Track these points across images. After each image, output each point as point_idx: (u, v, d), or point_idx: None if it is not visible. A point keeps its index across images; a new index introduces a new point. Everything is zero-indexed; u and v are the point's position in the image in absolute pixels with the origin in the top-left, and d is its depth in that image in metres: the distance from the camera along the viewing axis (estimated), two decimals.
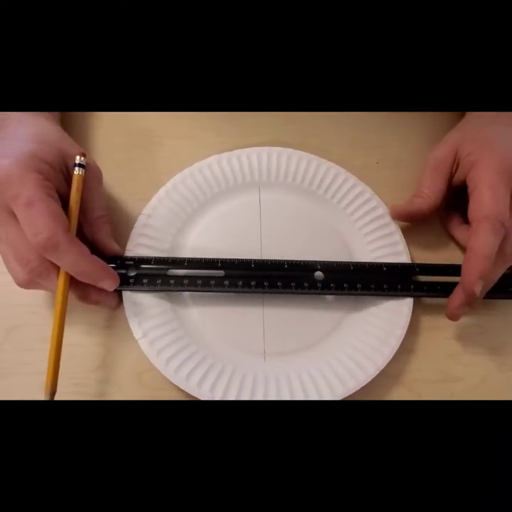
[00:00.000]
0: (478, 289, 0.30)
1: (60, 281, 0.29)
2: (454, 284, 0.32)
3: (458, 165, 0.34)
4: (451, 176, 0.35)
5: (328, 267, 0.33)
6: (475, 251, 0.30)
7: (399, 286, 0.33)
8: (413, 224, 0.37)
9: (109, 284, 0.30)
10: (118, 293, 0.32)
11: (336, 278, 0.33)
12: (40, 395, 0.32)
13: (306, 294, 0.33)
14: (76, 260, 0.28)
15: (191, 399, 0.30)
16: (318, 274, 0.33)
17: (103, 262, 0.30)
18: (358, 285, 0.33)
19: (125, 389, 0.32)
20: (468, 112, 0.37)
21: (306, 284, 0.32)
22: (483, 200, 0.30)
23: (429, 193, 0.34)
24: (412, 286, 0.33)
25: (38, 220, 0.27)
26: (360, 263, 0.34)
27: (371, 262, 0.34)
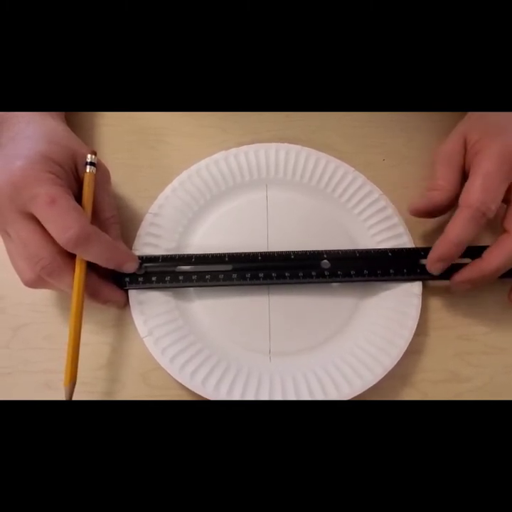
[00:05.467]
0: (437, 270, 0.32)
1: (77, 275, 0.30)
2: (459, 266, 0.33)
3: (467, 153, 0.34)
4: (463, 166, 0.34)
5: (334, 255, 0.34)
6: (447, 235, 0.31)
7: (405, 270, 0.34)
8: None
9: (132, 265, 0.32)
10: (126, 292, 0.33)
11: (342, 265, 0.34)
12: (46, 393, 0.32)
13: (314, 283, 0.34)
14: (104, 249, 0.30)
15: (196, 397, 0.31)
16: (325, 262, 0.34)
17: (124, 246, 0.33)
18: (365, 271, 0.34)
19: (130, 387, 0.33)
20: None
21: (313, 273, 0.33)
22: (472, 188, 0.31)
23: (445, 183, 0.34)
24: (418, 270, 0.34)
25: (65, 216, 0.28)
26: (366, 250, 0.35)
27: (376, 249, 0.35)
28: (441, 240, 0.32)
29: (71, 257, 0.30)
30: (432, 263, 0.32)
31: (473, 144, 0.33)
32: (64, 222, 0.28)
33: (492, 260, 0.31)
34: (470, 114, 0.36)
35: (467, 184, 0.32)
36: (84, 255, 0.30)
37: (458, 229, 0.31)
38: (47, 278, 0.29)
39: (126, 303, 0.33)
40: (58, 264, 0.29)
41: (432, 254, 0.32)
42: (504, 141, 0.31)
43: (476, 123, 0.34)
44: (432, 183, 0.35)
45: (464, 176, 0.34)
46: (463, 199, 0.31)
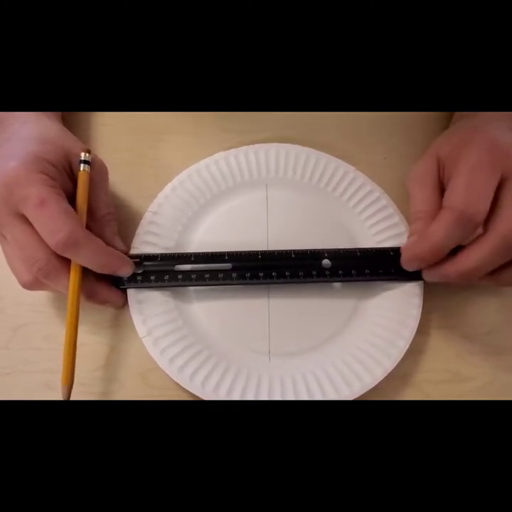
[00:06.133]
0: (412, 268, 0.31)
1: (72, 277, 0.30)
2: None
3: (444, 168, 0.31)
4: (441, 182, 0.32)
5: (335, 254, 0.34)
6: (429, 237, 0.29)
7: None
8: None
9: (127, 270, 0.32)
10: (124, 292, 0.33)
11: (343, 265, 0.34)
12: (45, 393, 0.32)
13: (314, 282, 0.33)
14: (95, 254, 0.30)
15: (195, 397, 0.31)
16: (326, 262, 0.34)
17: (118, 251, 0.32)
18: (366, 271, 0.33)
19: (129, 388, 0.33)
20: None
21: (314, 273, 0.33)
22: (456, 186, 0.28)
23: (427, 208, 0.31)
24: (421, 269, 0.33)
25: (55, 219, 0.28)
26: (367, 249, 0.35)
27: (377, 248, 0.35)
28: (422, 240, 0.29)
29: (67, 258, 0.29)
30: (408, 261, 0.31)
31: (449, 154, 0.31)
32: (52, 224, 0.28)
33: (466, 260, 0.28)
34: (437, 139, 0.34)
35: (450, 183, 0.29)
36: (74, 259, 0.29)
37: (442, 232, 0.28)
38: (43, 280, 0.29)
39: (124, 303, 0.33)
40: (54, 265, 0.29)
41: (409, 252, 0.30)
42: (485, 135, 0.29)
43: (447, 138, 0.33)
44: (414, 212, 0.32)
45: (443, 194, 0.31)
46: (446, 198, 0.28)
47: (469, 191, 0.27)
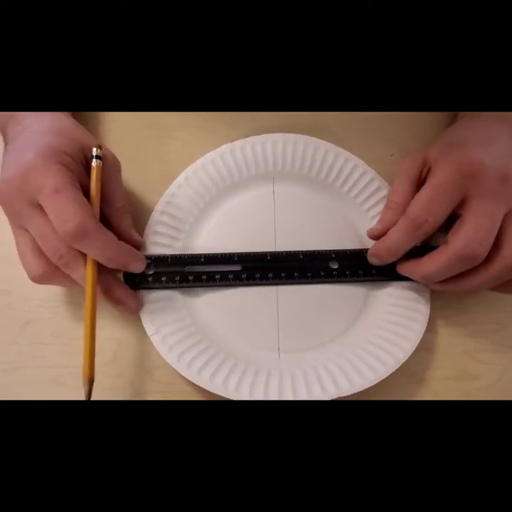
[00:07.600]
0: (372, 262, 0.33)
1: (89, 269, 0.29)
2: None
3: (428, 171, 0.33)
4: (420, 182, 0.33)
5: (342, 255, 0.35)
6: (385, 238, 0.32)
7: None
8: None
9: (138, 266, 0.32)
10: (139, 299, 0.33)
11: (350, 265, 0.34)
12: (53, 389, 0.32)
13: (323, 283, 0.34)
14: (105, 247, 0.29)
15: (203, 392, 0.31)
16: (333, 262, 0.34)
17: (129, 246, 0.32)
18: (373, 271, 0.34)
19: (137, 383, 0.33)
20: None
21: (322, 273, 0.34)
22: (417, 198, 0.31)
23: (400, 200, 0.33)
24: None
25: (66, 208, 0.28)
26: None
27: None
28: (382, 240, 0.32)
29: None
30: (369, 256, 0.33)
31: (436, 158, 0.32)
32: (64, 214, 0.28)
33: (426, 265, 0.31)
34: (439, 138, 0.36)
35: (416, 194, 0.32)
36: (84, 250, 0.29)
37: (394, 236, 0.31)
38: (63, 268, 0.29)
39: (139, 309, 0.32)
40: (74, 254, 0.29)
41: (372, 248, 0.33)
42: (461, 152, 0.31)
43: (439, 142, 0.34)
44: (388, 201, 0.35)
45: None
46: (408, 208, 0.32)
47: (424, 204, 0.30)
